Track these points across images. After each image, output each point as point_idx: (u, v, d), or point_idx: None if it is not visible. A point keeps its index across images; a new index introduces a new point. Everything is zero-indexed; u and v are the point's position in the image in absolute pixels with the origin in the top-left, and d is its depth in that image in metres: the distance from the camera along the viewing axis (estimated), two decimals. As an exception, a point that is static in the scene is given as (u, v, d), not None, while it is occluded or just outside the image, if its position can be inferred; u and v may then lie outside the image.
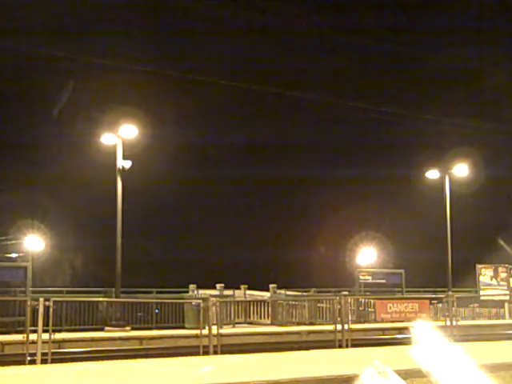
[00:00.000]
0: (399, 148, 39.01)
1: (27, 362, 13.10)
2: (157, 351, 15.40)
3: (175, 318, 21.72)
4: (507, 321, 26.64)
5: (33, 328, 14.09)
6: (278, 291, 26.26)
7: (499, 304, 28.76)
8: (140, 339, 18.22)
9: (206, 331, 15.53)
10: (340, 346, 16.19)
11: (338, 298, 18.39)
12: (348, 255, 31.43)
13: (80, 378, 9.17)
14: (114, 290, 22.35)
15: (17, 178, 32.94)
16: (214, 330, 15.67)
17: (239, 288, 26.74)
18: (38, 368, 12.00)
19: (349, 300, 19.24)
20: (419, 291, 28.55)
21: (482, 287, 29.62)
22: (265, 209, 41.75)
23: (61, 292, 22.36)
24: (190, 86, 34.10)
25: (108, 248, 23.78)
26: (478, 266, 29.96)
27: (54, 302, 15.02)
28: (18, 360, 12.93)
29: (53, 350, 13.78)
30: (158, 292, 24.64)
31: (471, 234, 34.16)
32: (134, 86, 29.54)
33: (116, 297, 21.99)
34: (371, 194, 39.25)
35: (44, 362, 13.18)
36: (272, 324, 23.47)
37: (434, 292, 28.00)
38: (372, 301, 24.76)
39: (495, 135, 33.96)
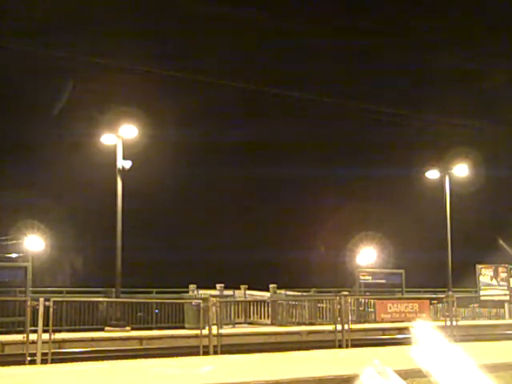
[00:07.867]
0: (399, 148, 39.04)
1: (27, 362, 13.08)
2: (157, 351, 15.40)
3: (175, 318, 21.71)
4: (507, 321, 26.66)
5: (33, 328, 14.07)
6: (278, 291, 26.24)
7: (499, 304, 28.77)
8: (140, 339, 18.23)
9: (206, 331, 15.52)
10: (340, 346, 16.18)
11: (338, 298, 18.37)
12: (348, 255, 31.42)
13: (80, 377, 9.17)
14: (114, 290, 22.35)
15: (17, 178, 32.91)
16: (214, 330, 15.66)
17: (239, 288, 26.73)
18: (38, 368, 12.00)
19: (349, 300, 19.20)
20: (419, 291, 28.57)
21: (482, 287, 29.61)
22: (265, 209, 41.69)
23: (61, 292, 22.36)
24: (190, 86, 34.09)
25: (108, 248, 23.77)
26: (478, 266, 29.95)
27: (54, 302, 14.99)
28: (18, 360, 12.92)
29: (53, 350, 13.76)
30: (157, 292, 24.64)
31: (471, 234, 34.14)
32: (133, 86, 29.52)
33: (116, 297, 21.99)
34: (371, 194, 39.26)
35: (44, 362, 13.17)
36: (272, 324, 23.46)
37: (434, 292, 28.01)
38: (372, 301, 24.79)
39: (495, 135, 33.98)
